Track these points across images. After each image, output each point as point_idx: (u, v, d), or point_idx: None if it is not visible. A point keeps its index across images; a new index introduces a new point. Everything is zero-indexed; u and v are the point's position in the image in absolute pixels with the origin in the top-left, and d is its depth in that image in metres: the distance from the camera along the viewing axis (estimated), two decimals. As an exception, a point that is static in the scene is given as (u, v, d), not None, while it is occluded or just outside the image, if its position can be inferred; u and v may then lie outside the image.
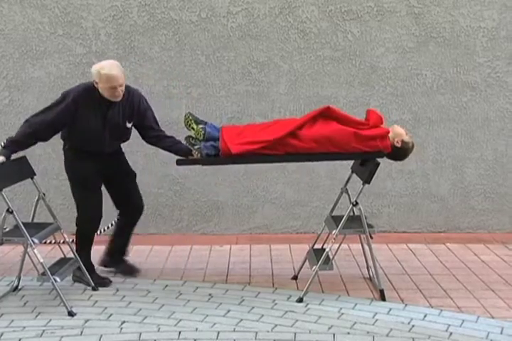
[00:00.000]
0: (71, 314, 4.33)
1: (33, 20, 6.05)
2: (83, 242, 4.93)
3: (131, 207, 5.03)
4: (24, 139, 4.66)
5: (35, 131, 4.66)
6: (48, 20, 6.05)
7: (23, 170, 4.72)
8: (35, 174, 4.80)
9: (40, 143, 6.12)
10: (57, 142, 6.16)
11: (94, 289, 4.77)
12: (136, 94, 4.80)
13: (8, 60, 6.09)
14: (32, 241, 4.39)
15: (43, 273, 4.42)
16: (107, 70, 4.52)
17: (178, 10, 6.06)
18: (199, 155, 4.50)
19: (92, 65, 6.02)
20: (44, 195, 4.83)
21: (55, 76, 6.11)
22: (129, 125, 4.78)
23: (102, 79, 4.52)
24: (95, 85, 4.60)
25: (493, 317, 4.30)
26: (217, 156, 4.50)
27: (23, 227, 4.39)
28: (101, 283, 4.85)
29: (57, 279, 4.43)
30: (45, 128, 4.66)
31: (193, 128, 4.58)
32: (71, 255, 4.84)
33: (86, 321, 4.23)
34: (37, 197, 4.78)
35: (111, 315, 4.34)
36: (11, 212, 4.41)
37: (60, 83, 6.11)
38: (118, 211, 5.11)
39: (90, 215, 4.87)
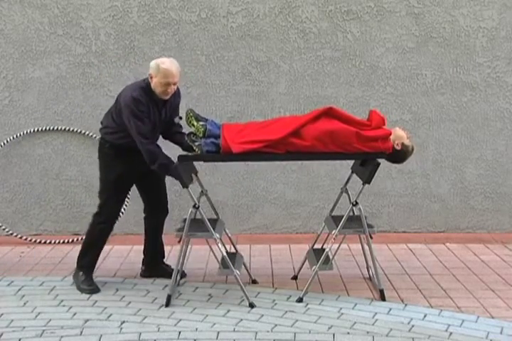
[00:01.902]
0: (252, 305, 4.45)
1: (33, 20, 6.05)
2: (93, 243, 4.88)
3: (160, 206, 5.01)
4: (161, 156, 4.60)
5: (152, 141, 4.65)
6: (47, 20, 6.05)
7: (191, 168, 4.85)
8: (197, 171, 4.92)
9: (40, 143, 6.17)
10: (57, 142, 6.20)
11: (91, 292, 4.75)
12: (178, 89, 4.85)
13: (7, 60, 6.09)
14: (216, 236, 4.50)
15: (225, 266, 4.52)
16: (167, 66, 4.56)
17: (178, 10, 6.07)
18: (199, 151, 4.51)
19: (92, 65, 6.08)
20: (206, 191, 4.90)
21: (55, 76, 6.11)
22: (178, 120, 4.86)
23: (159, 74, 4.55)
24: (149, 80, 4.62)
25: (492, 317, 4.30)
26: (218, 153, 4.50)
27: (208, 223, 4.49)
28: (88, 290, 4.79)
29: (238, 272, 4.52)
30: (151, 132, 4.64)
31: (193, 125, 4.58)
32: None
33: (86, 321, 4.23)
34: (199, 194, 4.84)
35: (111, 315, 4.34)
36: (197, 208, 4.51)
37: (59, 83, 6.11)
38: (144, 214, 5.07)
39: (112, 215, 4.83)
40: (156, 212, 5.02)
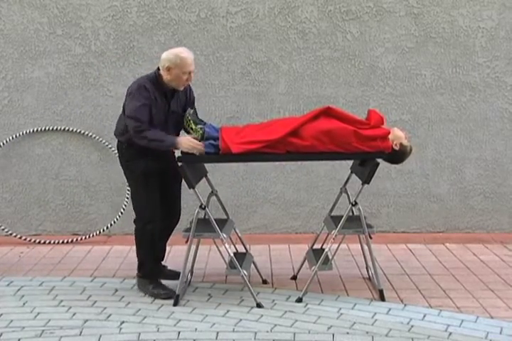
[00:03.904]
0: (260, 306, 4.44)
1: (32, 20, 6.04)
2: (147, 249, 4.72)
3: (175, 209, 4.91)
4: (159, 137, 4.48)
5: (149, 128, 4.47)
6: (47, 20, 6.05)
7: (200, 169, 4.83)
8: (207, 172, 4.91)
9: (39, 143, 6.17)
10: (56, 142, 6.20)
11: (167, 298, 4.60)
12: (188, 85, 4.78)
13: (7, 60, 6.09)
14: (223, 236, 4.48)
15: (232, 267, 4.52)
16: (186, 54, 4.49)
17: (177, 10, 6.06)
18: (198, 154, 4.50)
19: (91, 65, 6.07)
20: (216, 191, 4.90)
21: (54, 76, 6.11)
22: (189, 110, 4.71)
23: (180, 63, 4.45)
24: (160, 73, 4.52)
25: (492, 317, 4.30)
26: (217, 154, 4.50)
27: (215, 223, 4.48)
28: (166, 294, 4.63)
29: (245, 272, 4.52)
30: (148, 117, 4.49)
31: (191, 128, 4.59)
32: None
33: (85, 321, 4.23)
34: (209, 194, 4.85)
35: (110, 315, 4.34)
36: (204, 208, 4.50)
37: (59, 83, 6.11)
38: None
39: (154, 213, 4.67)
40: (169, 215, 4.85)
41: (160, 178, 4.71)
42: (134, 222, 4.78)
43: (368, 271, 5.05)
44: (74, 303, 4.53)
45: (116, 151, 4.94)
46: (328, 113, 4.58)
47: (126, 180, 4.90)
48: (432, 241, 6.07)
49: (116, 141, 4.80)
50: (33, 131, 6.13)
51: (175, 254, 5.55)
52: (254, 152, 4.46)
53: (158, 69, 4.58)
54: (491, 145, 6.25)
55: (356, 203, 4.59)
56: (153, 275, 4.76)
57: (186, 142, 4.49)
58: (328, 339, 3.97)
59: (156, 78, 4.56)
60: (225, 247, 4.53)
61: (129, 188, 5.69)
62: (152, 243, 4.73)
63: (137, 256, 4.81)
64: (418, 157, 6.12)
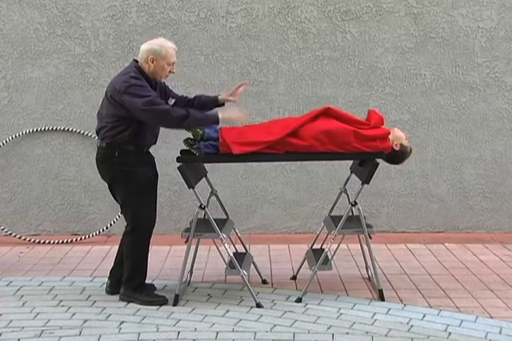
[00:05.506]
0: (259, 306, 4.42)
1: (32, 20, 6.04)
2: (140, 262, 4.49)
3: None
4: (191, 111, 4.34)
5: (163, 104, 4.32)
6: (46, 20, 6.05)
7: (200, 169, 4.82)
8: (207, 172, 4.89)
9: (39, 143, 6.16)
10: (56, 142, 6.20)
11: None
12: None
13: (6, 60, 6.09)
14: (222, 236, 4.48)
15: (232, 267, 4.52)
16: (170, 44, 4.34)
17: (177, 10, 6.07)
18: (198, 154, 4.49)
19: (91, 65, 6.07)
20: (216, 191, 4.89)
21: (54, 76, 6.11)
22: (171, 102, 4.50)
23: (166, 54, 4.28)
24: (143, 66, 4.32)
25: (491, 317, 4.30)
26: (217, 154, 4.49)
27: (214, 223, 4.47)
28: (158, 301, 4.48)
29: (245, 273, 4.52)
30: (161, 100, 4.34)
31: (190, 129, 4.58)
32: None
33: (85, 321, 4.23)
34: (209, 194, 4.84)
35: (110, 315, 4.34)
36: (203, 208, 4.50)
37: (58, 83, 6.11)
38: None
39: (153, 225, 4.51)
40: None
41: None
42: (129, 233, 4.48)
43: (367, 271, 5.05)
44: (73, 303, 4.52)
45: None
46: (327, 113, 4.57)
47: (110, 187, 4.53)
48: (432, 241, 6.07)
49: (101, 147, 4.42)
50: (33, 131, 6.13)
51: (174, 254, 5.55)
52: (253, 152, 4.46)
53: (136, 61, 4.39)
54: (490, 145, 6.26)
55: (356, 203, 4.59)
56: (143, 286, 4.56)
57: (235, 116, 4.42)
58: (327, 339, 3.97)
59: (139, 71, 4.33)
60: (225, 247, 4.54)
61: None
62: (147, 255, 4.55)
63: (126, 269, 4.50)
64: (418, 157, 6.12)
